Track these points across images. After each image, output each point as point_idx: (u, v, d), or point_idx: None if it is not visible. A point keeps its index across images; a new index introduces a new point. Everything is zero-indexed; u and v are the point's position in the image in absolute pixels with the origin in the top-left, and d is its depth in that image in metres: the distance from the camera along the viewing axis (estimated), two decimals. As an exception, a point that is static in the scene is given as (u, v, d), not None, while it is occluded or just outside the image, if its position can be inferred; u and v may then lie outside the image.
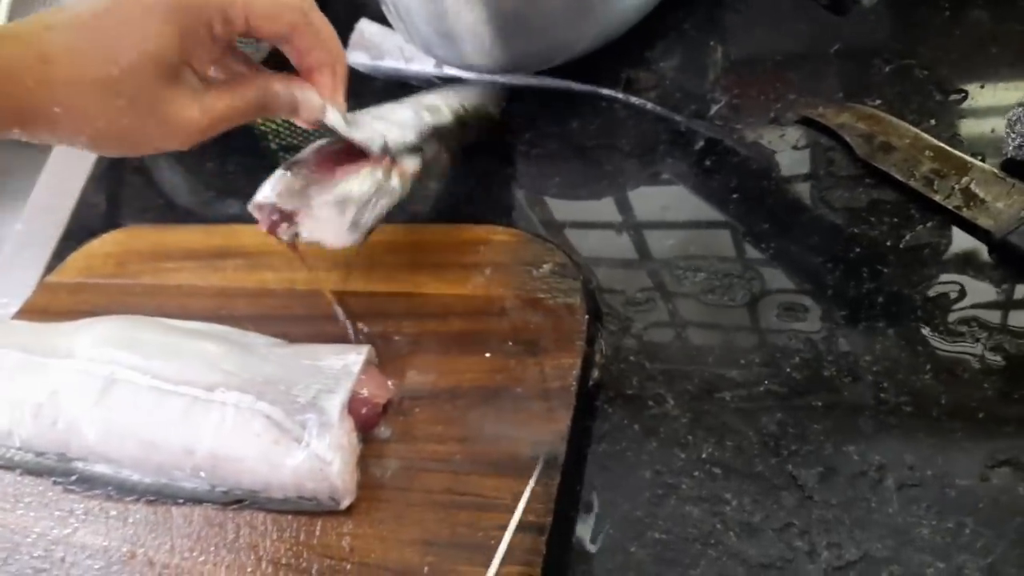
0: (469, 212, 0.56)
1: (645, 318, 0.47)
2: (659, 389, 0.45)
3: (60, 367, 0.51)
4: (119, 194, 0.71)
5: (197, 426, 0.47)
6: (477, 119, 0.56)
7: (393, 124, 0.49)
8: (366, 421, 0.46)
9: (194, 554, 0.46)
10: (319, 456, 0.44)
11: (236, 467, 0.46)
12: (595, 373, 0.46)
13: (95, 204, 0.70)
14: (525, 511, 0.42)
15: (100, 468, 0.49)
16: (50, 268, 0.66)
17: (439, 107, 0.53)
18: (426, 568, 0.42)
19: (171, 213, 0.67)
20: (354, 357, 0.47)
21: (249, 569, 0.45)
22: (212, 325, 0.52)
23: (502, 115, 0.58)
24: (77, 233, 0.68)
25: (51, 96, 0.37)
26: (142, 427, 0.48)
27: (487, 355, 0.47)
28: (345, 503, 0.44)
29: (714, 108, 0.53)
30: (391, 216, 0.56)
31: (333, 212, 0.47)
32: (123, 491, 0.49)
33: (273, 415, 0.45)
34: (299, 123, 0.45)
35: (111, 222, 0.68)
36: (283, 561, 0.45)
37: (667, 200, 0.51)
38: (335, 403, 0.45)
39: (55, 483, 0.51)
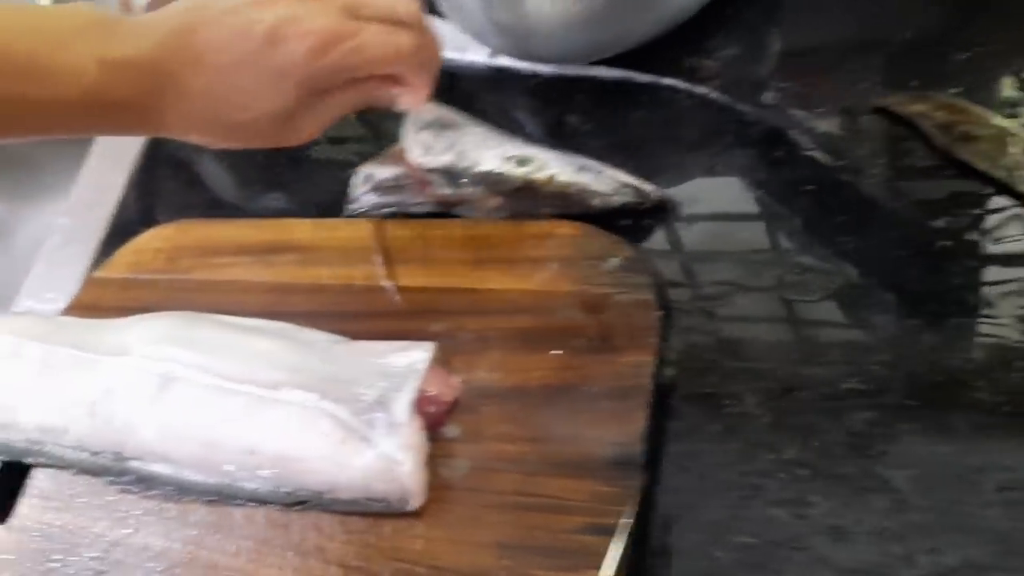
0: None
1: (718, 314, 0.46)
2: (737, 387, 0.43)
3: (115, 364, 0.50)
4: (163, 188, 0.70)
5: (260, 425, 0.46)
6: (559, 200, 0.52)
7: (459, 153, 0.52)
8: (433, 420, 0.45)
9: (259, 556, 0.46)
10: (389, 456, 0.43)
11: (301, 467, 0.45)
12: (668, 371, 0.45)
13: (139, 199, 0.69)
14: (601, 514, 0.41)
15: (158, 468, 0.48)
16: (96, 263, 0.65)
17: (531, 162, 0.52)
18: (502, 572, 0.41)
19: (216, 208, 0.66)
20: (419, 355, 0.46)
21: (317, 572, 0.44)
22: (269, 322, 0.51)
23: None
24: (122, 228, 0.67)
25: (183, 125, 0.44)
26: (202, 426, 0.47)
27: (556, 352, 0.46)
28: (415, 504, 0.43)
29: (780, 97, 0.52)
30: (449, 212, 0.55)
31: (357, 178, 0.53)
32: (182, 491, 0.48)
33: (339, 414, 0.44)
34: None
35: (155, 217, 0.67)
36: (352, 564, 0.44)
37: (735, 192, 0.50)
38: (403, 402, 0.44)
39: (111, 483, 0.50)
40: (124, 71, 0.41)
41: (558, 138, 0.55)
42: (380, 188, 0.54)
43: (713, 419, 0.43)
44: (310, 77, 0.43)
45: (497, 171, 0.51)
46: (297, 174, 0.65)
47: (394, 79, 0.46)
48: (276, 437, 0.45)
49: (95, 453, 0.50)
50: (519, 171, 0.51)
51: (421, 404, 0.45)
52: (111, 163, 0.73)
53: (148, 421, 0.48)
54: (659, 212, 0.50)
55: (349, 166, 0.63)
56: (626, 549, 0.39)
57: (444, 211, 0.54)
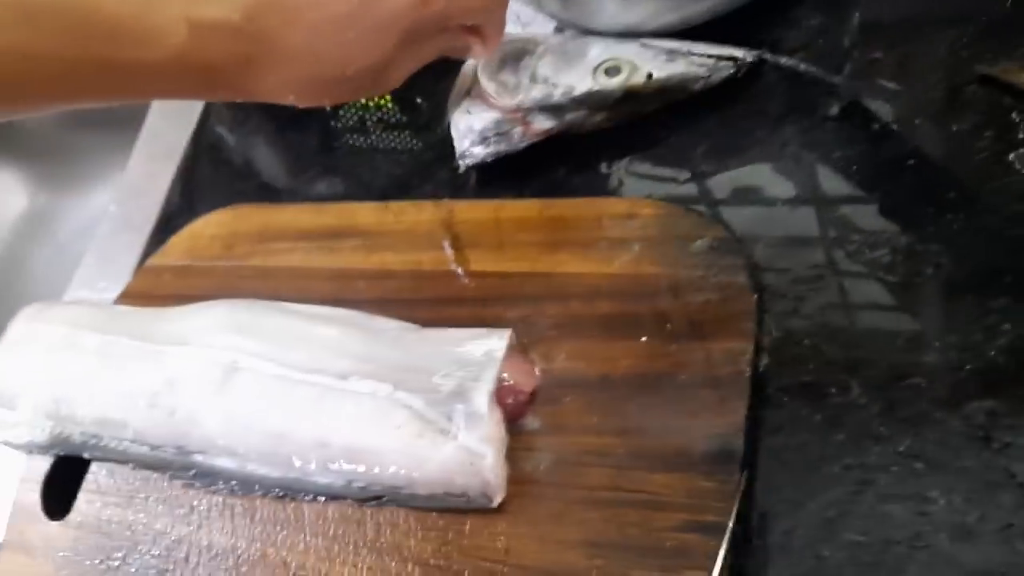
0: (606, 185, 0.52)
1: (817, 298, 0.43)
2: (841, 375, 0.40)
3: (176, 354, 0.48)
4: (213, 175, 0.68)
5: (330, 417, 0.43)
6: (661, 95, 0.51)
7: (547, 82, 0.48)
8: (513, 411, 0.43)
9: (331, 554, 0.43)
10: (469, 449, 0.40)
11: (375, 461, 0.42)
12: (764, 358, 0.42)
13: (189, 185, 0.68)
14: (700, 510, 0.38)
15: (222, 462, 0.46)
16: (149, 251, 0.64)
17: (622, 68, 0.49)
18: (594, 572, 0.38)
19: (268, 194, 0.65)
20: (496, 342, 0.44)
21: (393, 571, 0.42)
22: (335, 309, 0.49)
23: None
24: (173, 215, 0.66)
25: (279, 87, 0.43)
26: (269, 418, 0.45)
27: (643, 339, 0.43)
28: (497, 500, 0.41)
29: (873, 68, 0.49)
30: (520, 189, 0.53)
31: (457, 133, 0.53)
32: (248, 486, 0.46)
33: (414, 405, 0.42)
34: None
35: (206, 204, 0.65)
36: (431, 562, 0.42)
37: (829, 169, 0.47)
38: (482, 392, 0.41)
39: (172, 478, 0.48)
40: (215, 33, 0.40)
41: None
42: (483, 138, 0.52)
43: (815, 409, 0.40)
44: (411, 28, 0.43)
45: (594, 89, 0.49)
46: (354, 160, 0.63)
47: (474, 29, 0.47)
48: (348, 429, 0.43)
49: (156, 447, 0.48)
50: (615, 82, 0.49)
51: (501, 394, 0.42)
52: (160, 150, 0.71)
53: (212, 413, 0.46)
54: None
55: (403, 152, 0.61)
56: (727, 547, 0.37)
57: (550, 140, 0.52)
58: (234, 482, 0.46)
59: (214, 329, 0.48)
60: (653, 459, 0.40)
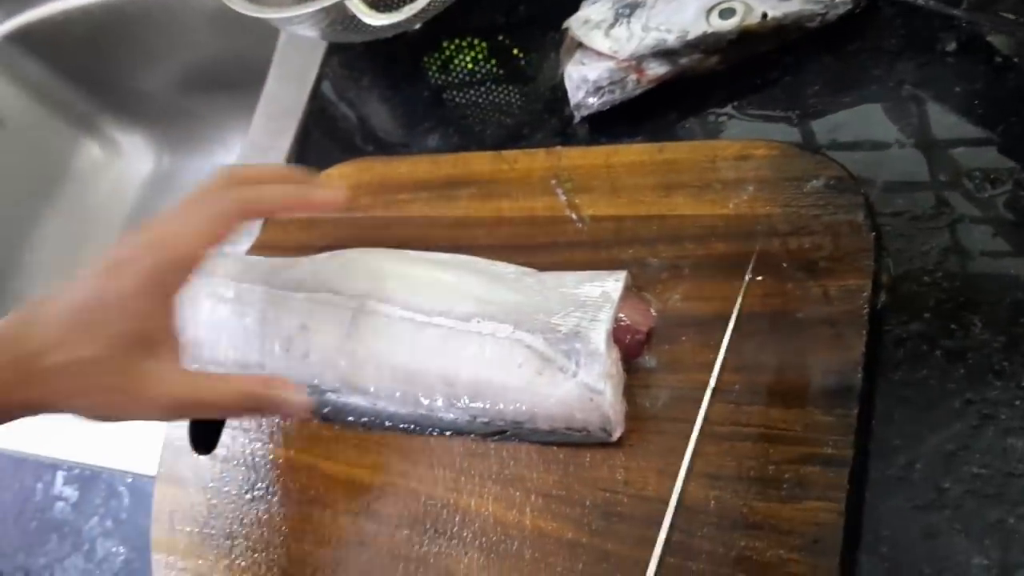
0: (718, 127, 0.52)
1: (935, 237, 0.43)
2: (961, 312, 0.40)
3: (307, 300, 0.51)
4: (332, 132, 0.71)
5: (456, 357, 0.46)
6: (776, 35, 0.50)
7: (660, 28, 0.49)
8: (630, 349, 0.44)
9: (459, 484, 0.46)
10: (588, 386, 0.42)
11: (498, 397, 0.45)
12: (882, 296, 0.42)
13: (309, 143, 0.71)
14: (818, 444, 0.39)
15: (355, 400, 0.49)
16: (275, 205, 0.67)
17: (736, 9, 0.49)
18: (712, 503, 0.40)
19: (384, 149, 0.67)
20: (613, 284, 0.45)
21: (517, 500, 0.44)
22: (457, 255, 0.51)
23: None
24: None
25: (48, 383, 0.40)
26: (397, 359, 0.47)
27: (758, 278, 0.43)
28: (616, 434, 0.43)
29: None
30: (632, 135, 0.54)
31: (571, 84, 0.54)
32: (378, 422, 0.49)
33: (535, 345, 0.44)
34: None
35: (326, 160, 0.67)
36: (553, 493, 0.44)
37: (948, 106, 0.46)
38: (600, 331, 0.43)
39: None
40: None
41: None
42: (597, 88, 0.53)
43: (935, 346, 0.40)
44: (157, 287, 0.42)
45: (708, 32, 0.49)
46: (463, 111, 0.65)
47: None
48: (472, 368, 0.45)
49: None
50: (729, 24, 0.49)
51: (618, 333, 0.44)
52: (279, 110, 0.74)
53: (343, 355, 0.49)
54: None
55: (514, 102, 0.62)
56: (848, 480, 0.37)
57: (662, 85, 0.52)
58: (364, 418, 0.49)
59: (343, 276, 0.51)
60: (770, 395, 0.41)
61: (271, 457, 0.53)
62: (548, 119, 0.59)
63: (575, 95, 0.54)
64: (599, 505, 0.42)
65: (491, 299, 0.47)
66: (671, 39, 0.50)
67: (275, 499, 0.51)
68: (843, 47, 0.50)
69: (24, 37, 1.02)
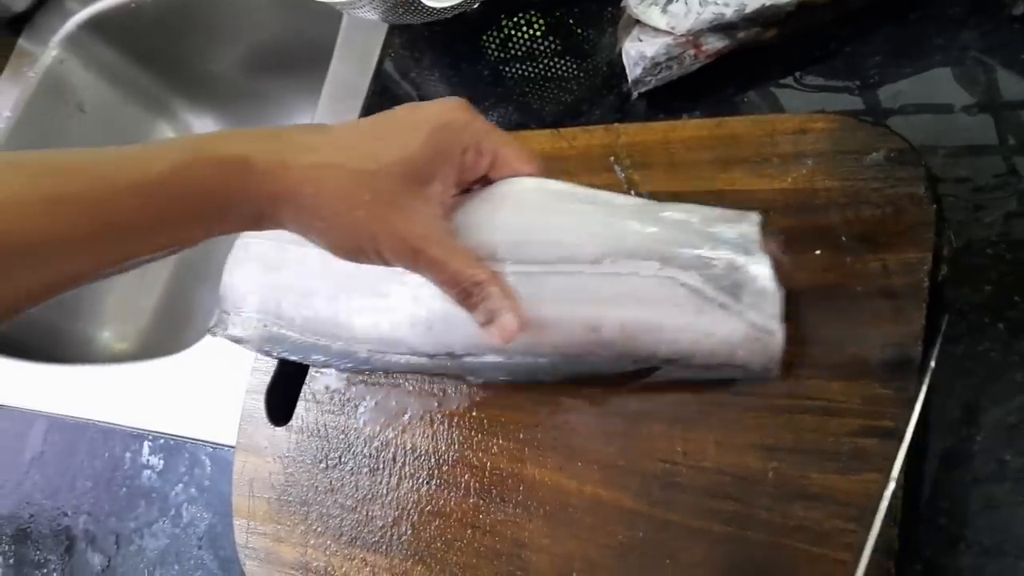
0: (777, 101, 0.52)
1: (999, 207, 0.42)
2: (1022, 285, 0.40)
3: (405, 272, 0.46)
4: (394, 110, 0.73)
5: (594, 302, 0.43)
6: (836, 5, 0.50)
7: (718, 3, 0.49)
8: None
9: (522, 455, 0.48)
10: (759, 326, 0.41)
11: (654, 338, 0.42)
12: (943, 268, 0.42)
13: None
14: (877, 416, 0.39)
15: (491, 358, 0.48)
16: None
17: None
18: (770, 474, 0.41)
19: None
20: (748, 227, 0.42)
21: (580, 470, 0.46)
22: (573, 187, 0.47)
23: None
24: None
25: (312, 178, 0.40)
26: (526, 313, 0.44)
27: (817, 252, 0.44)
28: (776, 372, 0.41)
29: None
30: (689, 111, 0.54)
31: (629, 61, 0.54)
32: (518, 375, 0.48)
33: (690, 282, 0.42)
34: None
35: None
36: (614, 463, 0.45)
37: (1015, 72, 0.45)
38: (765, 267, 0.41)
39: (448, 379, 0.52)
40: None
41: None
42: (655, 64, 0.53)
43: (997, 318, 0.40)
44: (443, 129, 0.42)
45: (767, 4, 0.49)
46: (523, 88, 0.65)
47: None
48: (619, 312, 0.43)
49: (431, 356, 0.50)
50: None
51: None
52: (344, 91, 0.76)
53: (466, 322, 0.45)
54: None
55: (572, 79, 0.62)
56: (907, 453, 0.38)
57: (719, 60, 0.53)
58: (504, 377, 0.48)
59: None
60: (830, 368, 0.41)
61: (343, 427, 0.55)
62: (606, 95, 0.59)
63: (633, 72, 0.54)
64: (658, 476, 0.43)
65: (618, 235, 0.44)
66: (729, 13, 0.50)
67: (347, 468, 0.54)
68: (905, 16, 0.49)
69: (99, 24, 1.06)
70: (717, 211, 0.44)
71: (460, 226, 0.46)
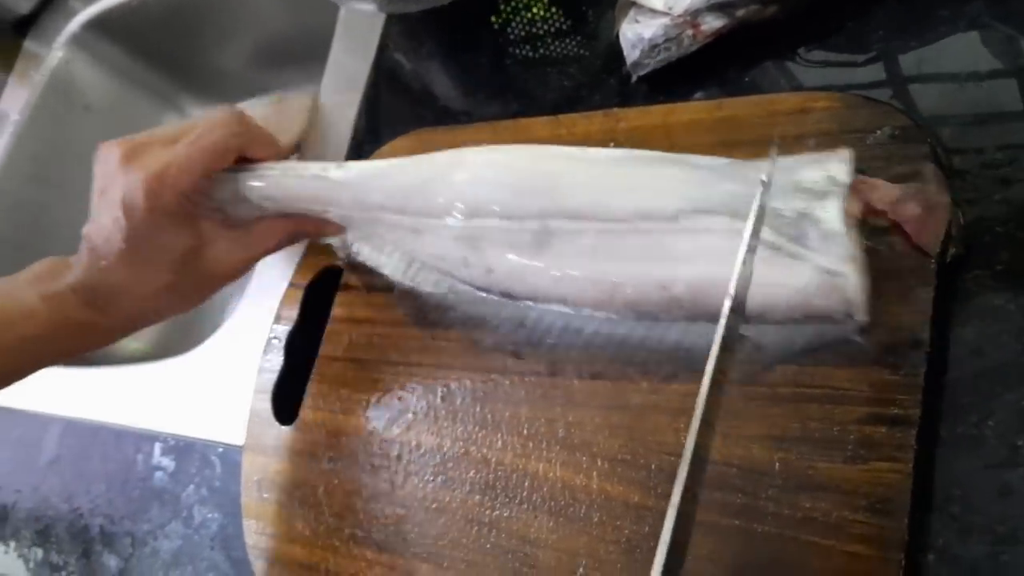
0: (780, 79, 0.51)
1: (1011, 181, 0.41)
2: (1037, 262, 0.39)
3: (468, 230, 0.48)
4: (394, 103, 0.72)
5: (669, 260, 0.42)
6: None
7: None
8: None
9: (527, 451, 0.47)
10: (828, 270, 0.39)
11: (723, 295, 0.39)
12: (953, 248, 0.40)
13: (373, 114, 0.71)
14: (884, 403, 0.38)
15: (554, 307, 0.47)
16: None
17: None
18: (777, 465, 0.40)
19: (447, 117, 0.67)
20: (837, 165, 0.41)
21: (584, 466, 0.45)
22: (632, 151, 0.47)
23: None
24: (362, 141, 0.70)
25: (128, 321, 0.55)
26: (599, 275, 0.44)
27: (821, 235, 0.42)
28: (861, 317, 0.39)
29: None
30: (690, 93, 0.53)
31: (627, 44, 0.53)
32: (581, 335, 0.47)
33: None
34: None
35: (391, 129, 0.68)
36: (618, 457, 0.44)
37: (1024, 40, 0.44)
38: (832, 209, 0.39)
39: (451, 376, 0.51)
40: (65, 301, 0.52)
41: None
42: (653, 46, 0.52)
43: (1010, 299, 0.39)
44: (154, 212, 0.50)
45: None
46: (522, 74, 0.64)
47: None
48: (690, 269, 0.42)
49: (484, 289, 0.49)
50: None
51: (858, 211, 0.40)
52: (344, 82, 0.75)
53: (534, 272, 0.46)
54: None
55: (571, 63, 0.61)
56: (916, 439, 0.37)
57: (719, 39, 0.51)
58: (562, 328, 0.47)
59: (506, 194, 0.47)
60: (835, 354, 0.40)
61: (346, 428, 0.54)
62: (606, 80, 0.58)
63: (631, 54, 0.53)
64: (664, 469, 0.43)
65: (695, 192, 0.43)
66: None
67: (353, 467, 0.53)
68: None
69: (103, 23, 1.06)
70: (806, 157, 0.42)
71: (513, 178, 0.48)
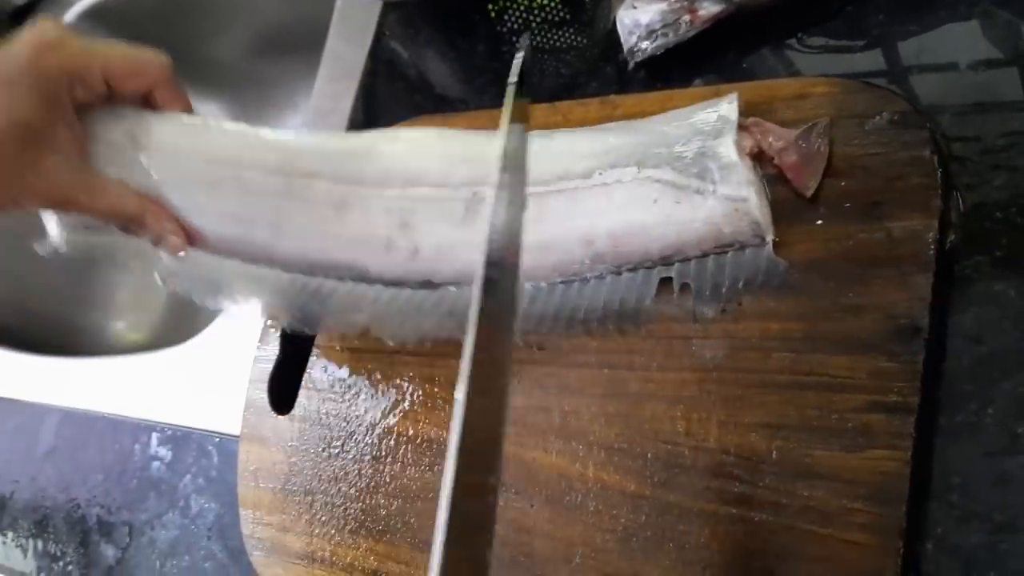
0: (778, 65, 0.50)
1: (1010, 168, 0.40)
2: (1037, 249, 0.38)
3: (403, 199, 0.48)
4: (392, 91, 0.71)
5: (588, 215, 0.45)
6: None
7: None
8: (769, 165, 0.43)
9: (524, 440, 0.47)
10: (730, 197, 0.42)
11: (641, 240, 0.44)
12: (951, 235, 0.40)
13: (370, 103, 0.71)
14: (883, 391, 0.38)
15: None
16: (339, 168, 0.68)
17: None
18: (774, 453, 0.39)
19: (445, 105, 0.67)
20: (727, 106, 0.44)
21: (581, 454, 0.45)
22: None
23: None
24: (360, 130, 0.69)
25: None
26: (527, 237, 0.43)
27: (818, 222, 0.42)
28: (770, 237, 0.42)
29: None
30: (689, 79, 0.52)
31: (623, 30, 0.53)
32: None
33: (664, 177, 0.43)
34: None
35: (389, 117, 0.68)
36: (615, 446, 0.44)
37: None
38: (727, 144, 0.42)
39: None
40: None
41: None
42: (650, 32, 0.51)
43: (1009, 285, 0.39)
44: (41, 79, 0.43)
45: None
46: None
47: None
48: (607, 220, 0.45)
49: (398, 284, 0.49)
50: None
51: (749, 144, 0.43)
52: (341, 71, 0.74)
53: (461, 247, 0.47)
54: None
55: (569, 51, 0.61)
56: (915, 427, 0.36)
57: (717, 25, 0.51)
58: None
59: (440, 166, 0.48)
60: (833, 342, 0.40)
61: (344, 415, 0.54)
62: (604, 67, 0.58)
63: (628, 40, 0.53)
64: (661, 457, 0.42)
65: (605, 149, 0.46)
66: None
67: (350, 456, 0.53)
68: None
69: (98, 14, 1.05)
70: (699, 104, 0.46)
71: (444, 152, 0.49)
